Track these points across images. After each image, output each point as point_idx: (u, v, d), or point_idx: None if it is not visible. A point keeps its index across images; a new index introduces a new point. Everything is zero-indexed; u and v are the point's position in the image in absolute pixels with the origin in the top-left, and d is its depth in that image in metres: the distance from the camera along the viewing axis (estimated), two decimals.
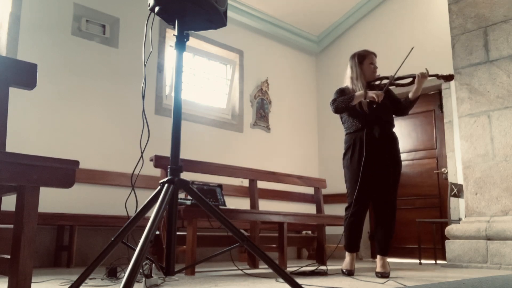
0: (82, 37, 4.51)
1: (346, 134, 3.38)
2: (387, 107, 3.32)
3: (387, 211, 3.20)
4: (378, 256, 3.20)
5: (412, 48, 3.19)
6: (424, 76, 3.19)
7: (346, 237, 3.30)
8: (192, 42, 5.33)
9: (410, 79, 3.28)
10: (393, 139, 3.32)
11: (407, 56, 3.13)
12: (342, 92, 3.35)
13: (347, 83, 3.40)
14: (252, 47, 6.17)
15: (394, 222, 3.23)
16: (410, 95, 3.30)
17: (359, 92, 3.21)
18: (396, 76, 3.25)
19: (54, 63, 4.27)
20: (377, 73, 3.40)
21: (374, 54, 3.42)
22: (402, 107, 3.37)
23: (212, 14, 1.68)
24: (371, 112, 3.23)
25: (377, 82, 3.37)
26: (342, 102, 3.23)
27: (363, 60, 3.37)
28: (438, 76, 3.23)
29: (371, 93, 3.15)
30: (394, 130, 3.38)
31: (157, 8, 1.64)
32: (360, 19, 6.50)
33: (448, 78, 3.22)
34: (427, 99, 5.72)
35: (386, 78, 3.33)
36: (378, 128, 3.25)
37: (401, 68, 3.16)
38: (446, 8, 4.79)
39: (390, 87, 3.37)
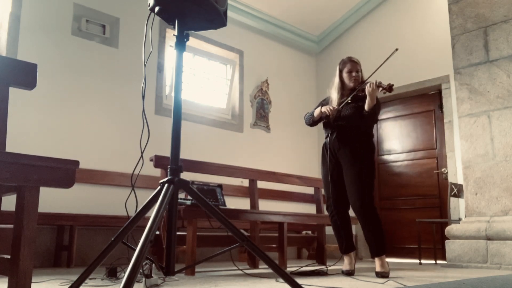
0: (82, 37, 4.51)
1: None
2: (356, 111, 3.25)
3: (366, 215, 3.16)
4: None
5: (396, 50, 3.16)
6: (372, 87, 3.09)
7: (336, 239, 3.39)
8: (192, 42, 5.33)
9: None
10: (357, 142, 3.25)
11: (389, 57, 3.12)
12: (320, 104, 3.50)
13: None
14: (252, 47, 6.16)
15: (379, 223, 3.18)
16: (365, 107, 3.17)
17: (316, 110, 3.38)
18: (359, 87, 3.25)
19: (54, 63, 4.27)
20: (365, 79, 3.33)
21: (354, 61, 3.36)
22: (364, 118, 3.23)
23: (212, 14, 1.68)
24: (336, 120, 3.30)
25: (362, 88, 3.28)
26: (307, 118, 3.50)
27: (343, 68, 3.39)
28: (381, 87, 3.11)
29: (324, 108, 3.29)
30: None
31: (157, 8, 1.64)
32: (360, 19, 6.50)
33: (389, 89, 3.10)
34: (427, 99, 5.72)
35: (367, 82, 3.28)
36: (340, 134, 3.30)
37: (384, 68, 3.14)
38: (446, 8, 4.79)
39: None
